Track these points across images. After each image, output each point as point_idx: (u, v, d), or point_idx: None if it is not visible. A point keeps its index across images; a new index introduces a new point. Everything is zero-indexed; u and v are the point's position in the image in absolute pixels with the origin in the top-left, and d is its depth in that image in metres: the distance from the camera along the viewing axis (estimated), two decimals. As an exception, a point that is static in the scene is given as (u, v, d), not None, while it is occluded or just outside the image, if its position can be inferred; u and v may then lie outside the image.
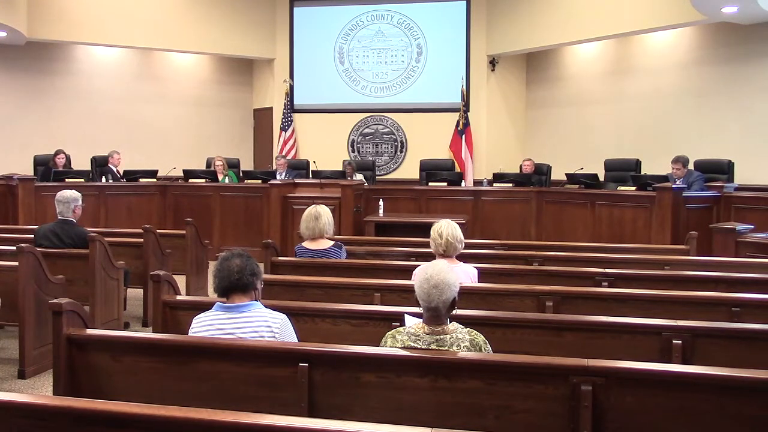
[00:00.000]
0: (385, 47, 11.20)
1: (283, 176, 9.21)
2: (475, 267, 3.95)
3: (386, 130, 11.26)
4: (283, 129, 11.18)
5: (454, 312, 2.56)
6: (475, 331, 2.52)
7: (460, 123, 10.58)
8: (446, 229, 3.77)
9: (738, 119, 8.36)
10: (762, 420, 2.13)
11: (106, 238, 5.25)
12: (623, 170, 8.45)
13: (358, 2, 11.19)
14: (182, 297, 3.42)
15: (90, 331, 2.68)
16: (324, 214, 4.52)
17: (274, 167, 9.82)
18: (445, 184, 8.97)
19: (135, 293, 6.11)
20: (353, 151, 11.31)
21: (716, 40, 8.56)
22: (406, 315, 2.90)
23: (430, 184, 9.09)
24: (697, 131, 8.73)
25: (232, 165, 10.20)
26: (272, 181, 8.22)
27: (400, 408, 2.35)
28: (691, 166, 7.59)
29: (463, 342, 2.45)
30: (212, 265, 2.88)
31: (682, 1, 7.85)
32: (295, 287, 3.93)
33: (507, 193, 8.59)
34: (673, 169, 7.41)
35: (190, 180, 9.33)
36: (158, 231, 6.13)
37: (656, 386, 2.22)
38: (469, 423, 2.29)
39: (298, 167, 9.92)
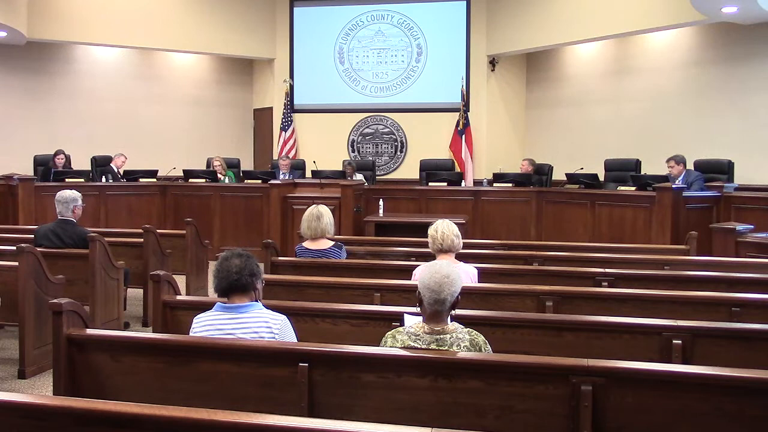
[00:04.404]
0: (385, 47, 11.20)
1: (286, 176, 9.23)
2: (475, 267, 3.96)
3: (386, 130, 11.26)
4: (283, 129, 11.18)
5: (454, 312, 2.57)
6: (475, 331, 2.52)
7: (460, 123, 10.58)
8: (441, 225, 3.81)
9: (738, 119, 8.35)
10: (762, 420, 2.13)
11: (106, 238, 5.25)
12: (623, 170, 8.45)
13: (358, 2, 11.19)
14: (182, 297, 3.42)
15: (90, 331, 2.68)
16: (326, 214, 4.53)
17: (278, 167, 9.80)
18: (445, 184, 8.97)
19: (135, 293, 6.11)
20: (353, 151, 11.31)
21: (716, 40, 8.56)
22: (405, 315, 2.90)
23: (430, 184, 9.09)
24: (697, 131, 8.73)
25: (232, 165, 10.20)
26: (272, 181, 8.22)
27: (400, 408, 2.35)
28: (690, 166, 7.60)
29: (463, 342, 2.45)
30: (212, 265, 2.88)
31: (682, 1, 7.85)
32: (295, 287, 3.94)
33: (507, 193, 8.59)
34: (668, 167, 7.43)
35: (190, 180, 9.33)
36: (158, 231, 6.13)
37: (656, 386, 2.22)
38: (469, 423, 2.29)
39: (297, 167, 9.93)
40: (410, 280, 3.83)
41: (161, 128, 11.29)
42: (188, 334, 2.76)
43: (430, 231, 3.82)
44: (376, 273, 4.37)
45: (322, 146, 11.03)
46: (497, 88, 11.01)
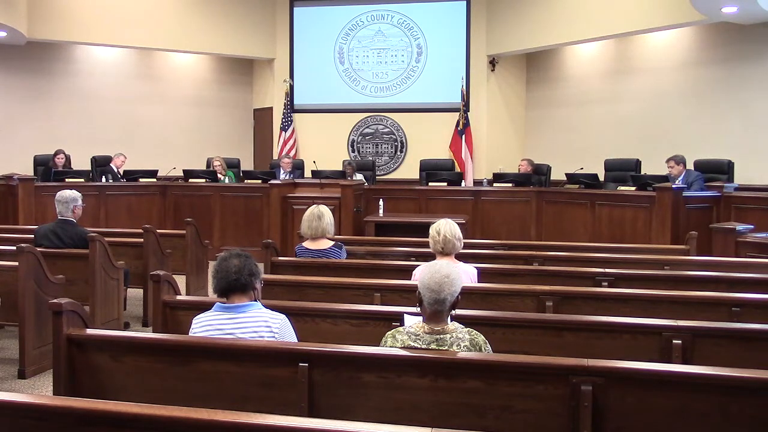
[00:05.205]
0: (385, 47, 11.20)
1: (288, 176, 9.26)
2: (475, 267, 3.95)
3: (386, 130, 11.26)
4: (283, 129, 11.18)
5: (454, 312, 2.57)
6: (475, 331, 2.52)
7: (460, 123, 10.58)
8: (444, 226, 3.77)
9: (738, 119, 8.35)
10: (762, 420, 2.13)
11: (106, 238, 5.25)
12: (623, 170, 8.45)
13: (358, 2, 11.19)
14: (182, 297, 3.42)
15: (90, 331, 2.68)
16: (326, 213, 4.53)
17: (278, 166, 9.81)
18: (445, 184, 8.97)
19: (135, 293, 6.11)
20: (353, 151, 11.31)
21: (716, 40, 8.56)
22: (405, 315, 2.90)
23: (430, 184, 9.09)
24: (697, 131, 8.73)
25: (232, 165, 10.20)
26: (272, 181, 8.22)
27: (400, 408, 2.35)
28: (690, 166, 7.60)
29: (463, 342, 2.45)
30: (212, 265, 2.88)
31: (682, 1, 7.84)
32: (295, 287, 3.94)
33: (507, 193, 8.59)
34: (668, 167, 7.44)
35: (190, 180, 9.34)
36: (158, 231, 6.13)
37: (656, 386, 2.22)
38: (469, 423, 2.29)
39: (297, 167, 9.95)
40: (410, 280, 3.83)
41: (161, 128, 11.29)
42: (188, 334, 2.76)
43: (432, 232, 3.79)
44: (376, 273, 4.37)
45: (322, 146, 11.02)
46: (497, 88, 11.01)
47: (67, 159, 9.44)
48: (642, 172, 8.29)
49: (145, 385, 2.58)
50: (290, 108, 11.20)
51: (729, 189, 6.98)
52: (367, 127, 11.32)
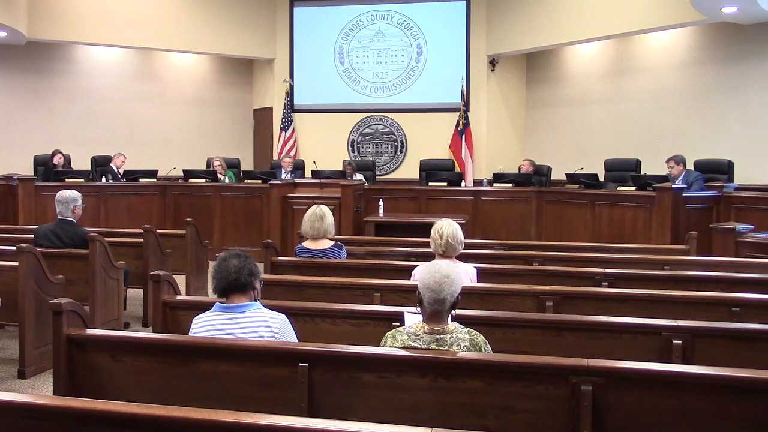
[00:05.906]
0: (385, 47, 11.20)
1: (289, 175, 9.27)
2: (475, 267, 3.95)
3: (386, 130, 11.26)
4: (283, 129, 11.19)
5: (454, 312, 2.57)
6: (475, 331, 2.52)
7: (460, 123, 10.58)
8: (447, 229, 3.75)
9: (738, 119, 8.35)
10: (762, 420, 2.13)
11: (106, 238, 5.24)
12: (623, 170, 8.45)
13: (358, 2, 11.19)
14: (182, 297, 3.42)
15: (90, 331, 2.68)
16: (328, 214, 4.55)
17: (278, 166, 9.82)
18: (445, 184, 8.97)
19: (135, 293, 6.11)
20: (353, 151, 11.31)
21: (716, 40, 8.56)
22: (405, 312, 2.90)
23: (430, 184, 9.09)
24: (697, 131, 8.73)
25: (232, 165, 10.21)
26: (272, 181, 8.22)
27: (400, 408, 2.35)
28: (690, 166, 7.60)
29: (463, 342, 2.45)
30: (212, 265, 2.88)
31: (682, 1, 7.85)
32: (295, 287, 3.94)
33: (507, 193, 8.59)
34: (668, 167, 7.45)
35: (190, 180, 9.34)
36: (158, 231, 6.12)
37: (656, 386, 2.22)
38: (469, 423, 2.29)
39: (297, 167, 9.97)
40: (410, 280, 3.83)
41: (161, 128, 11.30)
42: (188, 334, 2.76)
43: (434, 233, 3.77)
44: (376, 273, 4.37)
45: (322, 146, 11.03)
46: (497, 88, 11.01)
47: (67, 159, 9.44)
48: (642, 172, 8.28)
49: (145, 385, 2.58)
50: (290, 108, 11.21)
51: (729, 189, 6.98)
52: (367, 127, 11.32)
